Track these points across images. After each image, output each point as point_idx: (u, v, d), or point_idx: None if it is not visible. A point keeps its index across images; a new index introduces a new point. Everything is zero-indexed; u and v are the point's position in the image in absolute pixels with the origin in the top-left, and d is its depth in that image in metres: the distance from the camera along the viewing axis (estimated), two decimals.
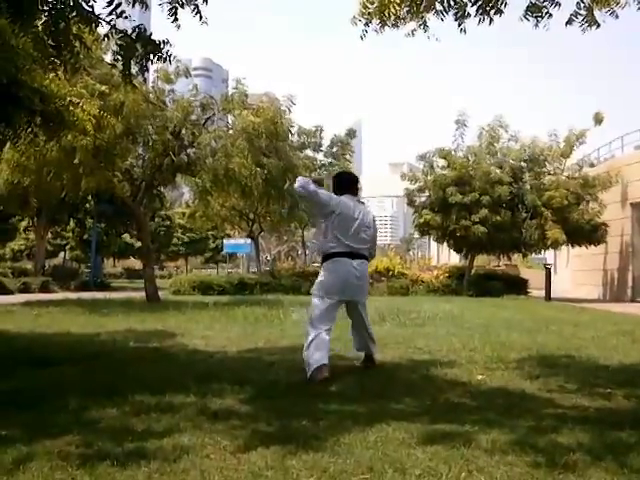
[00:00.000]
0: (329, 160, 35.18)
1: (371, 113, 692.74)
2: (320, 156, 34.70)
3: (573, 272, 32.00)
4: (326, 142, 34.63)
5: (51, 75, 7.67)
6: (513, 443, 3.77)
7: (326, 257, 6.33)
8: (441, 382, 5.85)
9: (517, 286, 26.68)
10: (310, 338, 6.04)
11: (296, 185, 6.17)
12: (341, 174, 7.36)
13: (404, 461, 3.44)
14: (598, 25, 5.72)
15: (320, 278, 6.37)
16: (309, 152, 33.34)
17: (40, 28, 5.97)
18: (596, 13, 5.66)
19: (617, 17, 5.65)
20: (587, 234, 24.42)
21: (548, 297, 22.98)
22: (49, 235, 37.38)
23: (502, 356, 6.95)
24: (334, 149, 35.10)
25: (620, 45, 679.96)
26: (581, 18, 5.68)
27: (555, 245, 25.14)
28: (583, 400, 5.09)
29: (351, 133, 36.31)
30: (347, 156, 35.87)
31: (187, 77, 18.83)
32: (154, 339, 8.86)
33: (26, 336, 9.30)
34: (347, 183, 6.71)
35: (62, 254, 47.44)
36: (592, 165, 27.38)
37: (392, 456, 3.53)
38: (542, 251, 29.95)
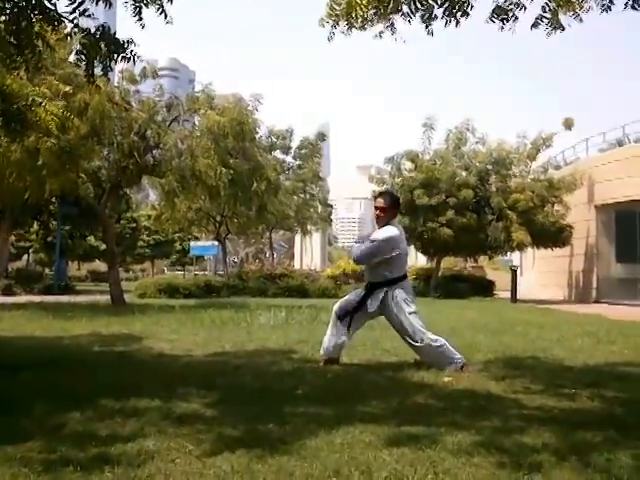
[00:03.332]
0: (297, 162, 35.21)
1: (339, 116, 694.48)
2: (289, 158, 34.74)
3: (539, 274, 32.37)
4: (295, 144, 34.69)
5: (13, 74, 7.53)
6: (479, 444, 3.78)
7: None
8: (408, 384, 5.85)
9: (483, 288, 26.98)
10: (442, 341, 6.74)
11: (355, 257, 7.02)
12: (397, 197, 7.62)
13: (370, 464, 3.43)
14: (563, 28, 5.77)
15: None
16: (278, 154, 33.36)
17: (1, 26, 5.85)
18: (561, 17, 5.71)
19: (581, 21, 5.71)
20: (552, 236, 24.74)
21: (514, 299, 23.22)
22: (12, 238, 36.83)
23: (468, 358, 6.97)
24: (303, 151, 35.10)
25: (584, 48, 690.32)
26: (546, 21, 5.73)
27: (520, 247, 25.44)
28: (548, 401, 5.12)
29: (320, 136, 36.34)
30: (315, 158, 35.91)
31: (154, 78, 18.68)
32: (119, 343, 8.75)
33: None
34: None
35: (26, 257, 46.81)
36: (557, 168, 27.74)
37: (358, 459, 3.52)
38: (508, 253, 30.32)
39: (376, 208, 7.03)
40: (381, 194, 7.34)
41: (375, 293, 6.82)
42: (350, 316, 6.90)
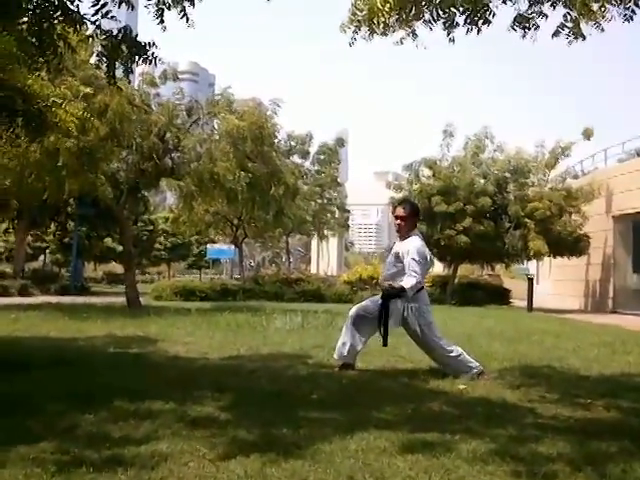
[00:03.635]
0: (315, 167, 35.26)
1: (357, 121, 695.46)
2: (307, 163, 34.80)
3: (555, 283, 32.16)
4: (313, 149, 34.76)
5: (34, 75, 7.58)
6: (494, 453, 3.76)
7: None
8: (423, 391, 5.83)
9: (499, 296, 26.83)
10: (458, 350, 6.71)
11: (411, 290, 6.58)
12: (417, 205, 7.68)
13: (384, 470, 3.42)
14: (584, 37, 5.73)
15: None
16: (296, 158, 33.41)
17: (24, 27, 5.90)
18: (582, 26, 5.67)
19: (603, 30, 5.67)
20: (569, 245, 24.58)
21: (530, 307, 23.06)
22: (29, 238, 37.07)
23: (484, 366, 6.92)
24: (321, 156, 35.16)
25: (603, 59, 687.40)
26: (567, 30, 5.70)
27: (537, 256, 25.29)
28: (564, 410, 5.08)
29: (339, 141, 36.38)
30: (334, 164, 35.96)
31: (175, 80, 18.79)
32: (134, 345, 8.77)
33: (3, 340, 9.20)
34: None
35: (42, 257, 47.08)
36: (576, 177, 27.55)
37: (373, 465, 3.51)
38: (525, 261, 30.13)
39: (396, 217, 6.94)
40: (401, 203, 7.30)
41: (393, 308, 6.70)
42: (385, 329, 6.76)
